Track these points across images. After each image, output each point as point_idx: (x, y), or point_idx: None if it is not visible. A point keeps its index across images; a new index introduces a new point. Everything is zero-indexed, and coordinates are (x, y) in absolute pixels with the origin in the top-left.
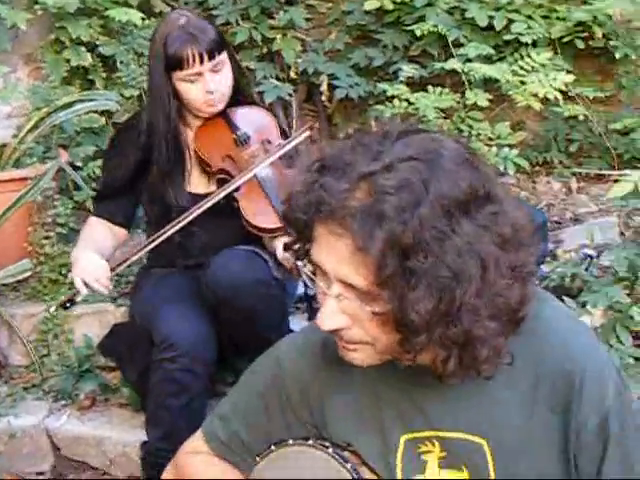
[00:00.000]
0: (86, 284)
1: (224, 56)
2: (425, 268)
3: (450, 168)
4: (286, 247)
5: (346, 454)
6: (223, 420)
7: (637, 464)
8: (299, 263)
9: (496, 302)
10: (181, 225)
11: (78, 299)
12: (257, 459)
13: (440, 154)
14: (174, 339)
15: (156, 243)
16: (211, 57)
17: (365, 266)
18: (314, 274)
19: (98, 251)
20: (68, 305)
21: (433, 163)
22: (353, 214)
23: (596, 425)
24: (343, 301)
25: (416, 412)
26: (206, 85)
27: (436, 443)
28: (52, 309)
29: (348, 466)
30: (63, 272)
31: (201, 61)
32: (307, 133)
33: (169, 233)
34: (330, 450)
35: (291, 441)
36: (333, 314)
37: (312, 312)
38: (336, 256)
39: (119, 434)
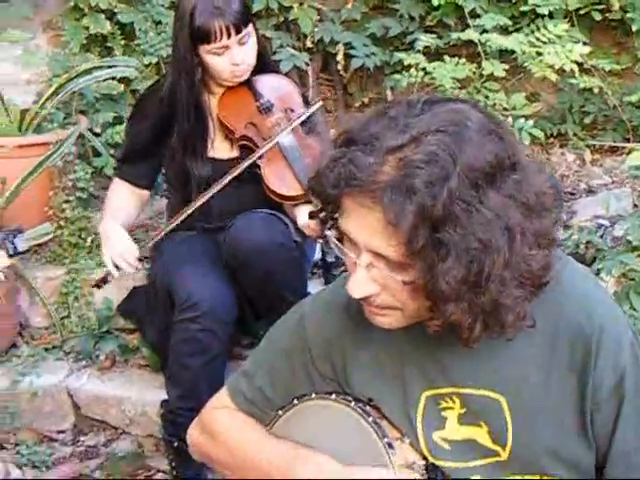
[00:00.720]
0: (117, 266)
1: (250, 28)
2: (455, 240)
3: (476, 140)
4: (312, 215)
5: (368, 408)
6: (247, 376)
7: None
8: (328, 232)
9: (522, 270)
10: (206, 198)
11: (110, 279)
12: (279, 412)
13: (466, 126)
14: (195, 300)
15: (190, 211)
16: (238, 31)
17: (396, 238)
18: (341, 242)
19: (124, 219)
20: (102, 284)
21: (459, 135)
22: (383, 188)
23: (612, 385)
24: (373, 270)
25: (437, 369)
26: (233, 58)
27: (456, 400)
28: (89, 287)
29: (370, 419)
30: (83, 236)
31: (228, 35)
32: (320, 103)
33: (193, 208)
34: (352, 404)
35: (314, 395)
36: (363, 282)
37: (328, 278)
38: (366, 228)
39: (138, 394)
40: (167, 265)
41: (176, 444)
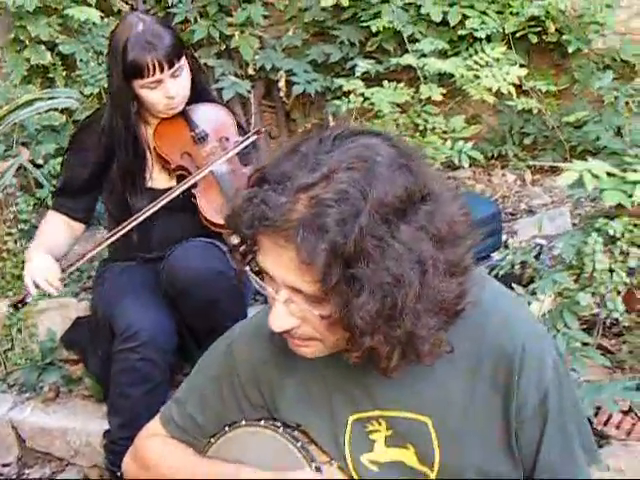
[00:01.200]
0: (37, 285)
1: (183, 60)
2: (368, 275)
3: (386, 175)
4: (231, 250)
5: (296, 433)
6: (179, 404)
7: (574, 439)
8: (247, 268)
9: (436, 301)
10: (139, 220)
11: (29, 299)
12: (211, 440)
13: (375, 161)
14: (135, 329)
15: (114, 239)
16: (171, 65)
17: (310, 275)
18: (262, 279)
19: (53, 249)
20: (20, 305)
21: (369, 171)
22: (296, 227)
23: (536, 403)
24: (291, 305)
25: (363, 393)
26: (167, 91)
27: (382, 422)
28: (4, 310)
29: (298, 444)
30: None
31: (161, 69)
32: (256, 136)
33: (127, 228)
34: (280, 430)
35: (244, 422)
36: (282, 316)
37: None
38: (282, 265)
39: (83, 424)
40: (108, 295)
41: (119, 474)
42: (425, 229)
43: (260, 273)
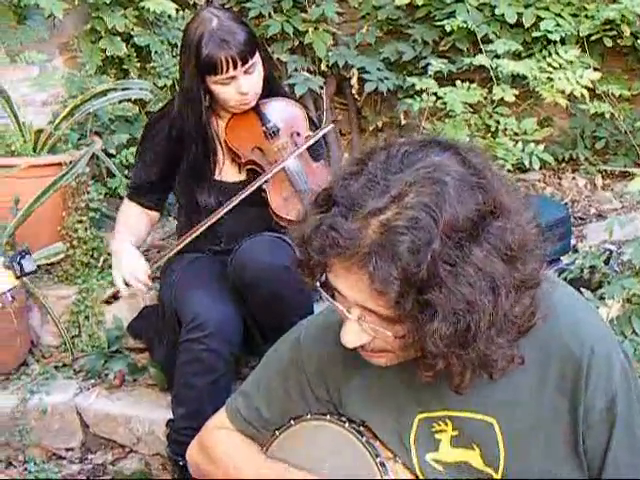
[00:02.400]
0: (127, 283)
1: (256, 57)
2: (440, 301)
3: (456, 197)
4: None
5: (361, 429)
6: (245, 397)
7: None
8: (317, 285)
9: (509, 321)
10: (213, 220)
11: (120, 295)
12: (277, 432)
13: (445, 183)
14: (201, 320)
15: (190, 239)
16: (244, 61)
17: (383, 300)
18: (332, 295)
19: (136, 240)
20: (113, 301)
21: (439, 195)
22: (367, 253)
23: (604, 407)
24: (363, 324)
25: (431, 393)
26: (240, 87)
27: (449, 422)
28: (99, 302)
29: (363, 439)
30: (95, 256)
31: (234, 66)
32: (330, 126)
33: (202, 229)
34: (346, 425)
35: (309, 416)
36: (355, 333)
37: None
38: (354, 288)
39: (146, 413)
40: (175, 286)
41: (182, 463)
42: (497, 249)
43: (329, 286)
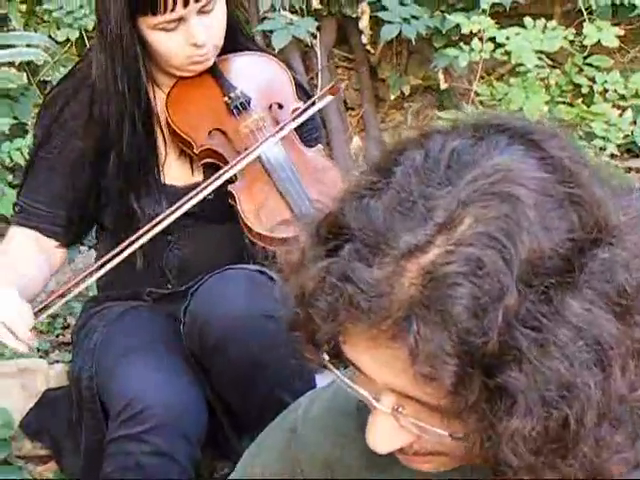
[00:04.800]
0: None
1: None
2: (521, 385)
3: (538, 221)
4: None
5: None
6: None
7: None
8: (325, 358)
9: (628, 408)
10: (150, 236)
11: None
12: None
13: (519, 200)
14: (141, 406)
15: (110, 266)
16: None
17: (432, 386)
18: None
19: (20, 285)
20: None
21: (511, 221)
22: (404, 319)
23: None
24: (402, 417)
25: None
26: (191, 36)
27: None
28: None
29: None
30: None
31: (185, 1)
32: (330, 96)
33: (131, 249)
34: None
35: None
36: (388, 432)
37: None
38: (385, 368)
39: None
40: (98, 354)
41: None
42: (604, 297)
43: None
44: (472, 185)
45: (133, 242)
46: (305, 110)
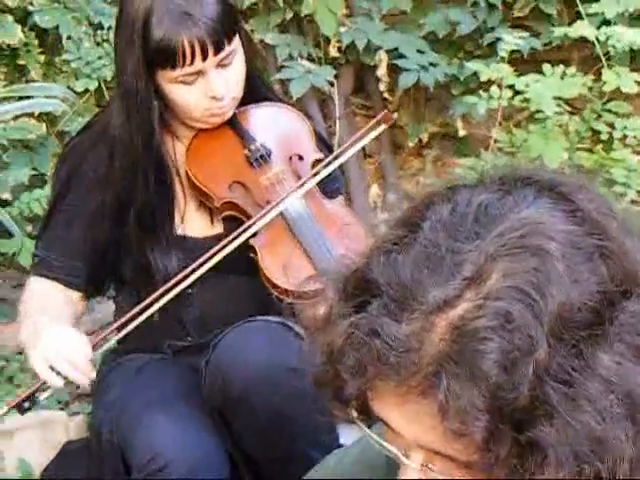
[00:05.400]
0: (57, 371)
1: (236, 42)
2: (552, 440)
3: (568, 275)
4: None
5: None
6: None
7: None
8: (353, 414)
9: None
10: (173, 294)
11: (43, 397)
12: None
13: (548, 253)
14: (164, 460)
15: (130, 328)
16: (218, 49)
17: (462, 441)
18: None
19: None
20: (27, 406)
21: (541, 274)
22: (433, 374)
23: None
24: (431, 473)
25: None
26: (211, 89)
27: None
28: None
29: None
30: None
31: (203, 55)
32: (384, 126)
33: (158, 306)
34: None
35: None
36: None
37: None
38: (414, 424)
39: None
40: (119, 407)
41: None
42: (634, 348)
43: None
44: (500, 239)
45: (158, 299)
46: (327, 162)
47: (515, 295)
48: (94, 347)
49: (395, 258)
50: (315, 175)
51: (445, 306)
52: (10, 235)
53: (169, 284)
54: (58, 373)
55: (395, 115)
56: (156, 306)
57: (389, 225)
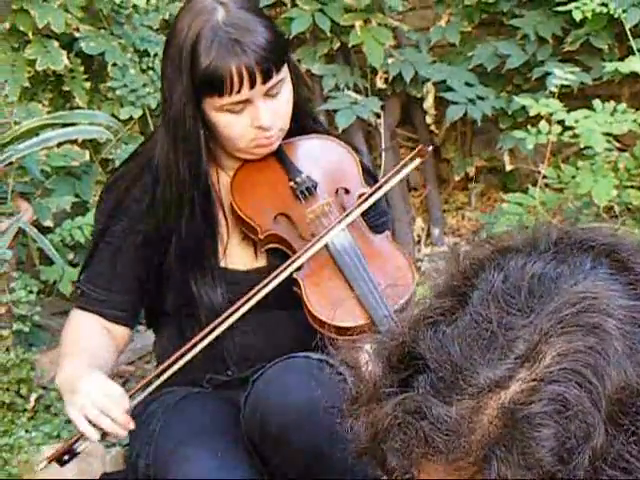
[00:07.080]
0: (94, 424)
1: (284, 71)
2: None
3: (626, 355)
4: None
5: None
6: None
7: None
8: None
9: None
10: (218, 332)
11: (82, 447)
12: None
13: (605, 332)
14: None
15: (178, 366)
16: (266, 77)
17: None
18: None
19: (100, 366)
20: (66, 459)
21: (598, 355)
22: (483, 459)
23: None
24: None
25: None
26: (257, 118)
27: None
28: (40, 466)
29: None
30: (23, 392)
31: (251, 84)
32: (419, 160)
33: (201, 346)
34: None
35: None
36: None
37: None
38: None
39: None
40: (158, 441)
41: None
42: None
43: None
44: (555, 315)
45: (204, 337)
46: (372, 195)
47: (571, 377)
48: (131, 396)
49: (443, 332)
50: (359, 207)
51: (497, 387)
52: (51, 262)
53: (212, 325)
54: (95, 425)
55: (430, 149)
56: (199, 347)
57: (435, 292)
